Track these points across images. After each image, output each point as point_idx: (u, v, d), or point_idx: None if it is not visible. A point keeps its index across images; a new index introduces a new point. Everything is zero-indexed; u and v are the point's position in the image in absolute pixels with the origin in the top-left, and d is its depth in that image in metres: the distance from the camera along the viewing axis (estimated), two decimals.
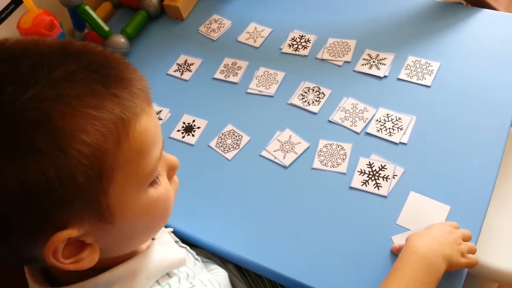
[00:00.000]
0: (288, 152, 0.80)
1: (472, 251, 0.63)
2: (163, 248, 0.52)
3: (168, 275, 0.51)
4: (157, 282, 0.49)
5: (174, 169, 0.49)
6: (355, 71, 0.89)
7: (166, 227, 0.75)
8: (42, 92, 0.34)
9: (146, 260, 0.48)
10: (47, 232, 0.36)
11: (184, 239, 0.75)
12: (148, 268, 0.48)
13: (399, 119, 0.80)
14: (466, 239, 0.64)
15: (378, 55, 0.90)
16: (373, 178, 0.74)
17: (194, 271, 0.57)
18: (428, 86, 0.83)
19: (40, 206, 0.34)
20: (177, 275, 0.52)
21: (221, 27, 1.05)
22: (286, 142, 0.82)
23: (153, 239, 0.55)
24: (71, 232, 0.37)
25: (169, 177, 0.48)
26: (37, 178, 0.33)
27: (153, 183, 0.43)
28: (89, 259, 0.40)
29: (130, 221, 0.42)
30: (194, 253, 0.65)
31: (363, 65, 0.89)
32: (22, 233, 0.36)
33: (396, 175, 0.73)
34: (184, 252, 0.58)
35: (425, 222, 0.67)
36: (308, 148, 0.80)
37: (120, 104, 0.37)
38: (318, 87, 0.88)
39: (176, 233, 0.75)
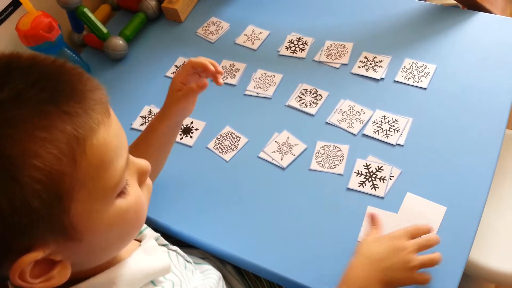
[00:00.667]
0: (286, 153, 0.81)
1: (431, 264, 0.60)
2: (147, 255, 0.51)
3: (153, 283, 0.50)
4: None
5: (144, 173, 0.47)
6: (352, 73, 0.90)
7: (162, 228, 0.76)
8: None
9: (126, 268, 0.47)
10: (11, 256, 0.35)
11: (182, 240, 0.76)
12: (129, 277, 0.47)
13: (396, 121, 0.81)
14: (428, 246, 0.61)
15: (375, 57, 0.91)
16: (370, 179, 0.74)
17: (182, 278, 0.56)
18: (425, 88, 0.84)
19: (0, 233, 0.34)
20: (161, 283, 0.51)
21: (219, 29, 1.05)
22: (283, 143, 0.82)
23: (138, 240, 0.55)
24: (36, 255, 0.36)
25: (141, 182, 0.47)
26: None
27: (121, 193, 0.42)
28: (60, 276, 0.39)
29: (99, 235, 0.41)
30: (185, 255, 0.65)
31: (360, 67, 0.90)
32: None
33: (393, 176, 0.74)
34: (168, 260, 0.56)
35: (422, 223, 0.68)
36: (305, 149, 0.81)
37: (72, 122, 0.35)
38: (316, 89, 0.88)
39: (173, 234, 0.76)
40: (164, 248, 0.61)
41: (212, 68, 0.68)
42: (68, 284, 0.42)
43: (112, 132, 0.40)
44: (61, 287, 0.41)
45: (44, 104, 0.35)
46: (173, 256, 0.61)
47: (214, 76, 0.69)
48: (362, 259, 0.60)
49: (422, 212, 0.70)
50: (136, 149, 0.72)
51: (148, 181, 0.49)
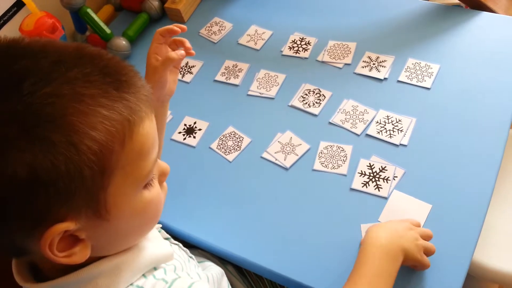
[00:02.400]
0: (289, 153, 0.81)
1: (430, 251, 0.63)
2: (150, 242, 0.52)
3: (154, 268, 0.52)
4: (143, 275, 0.49)
5: (165, 175, 0.51)
6: (355, 73, 0.90)
7: (163, 227, 0.76)
8: (59, 89, 0.36)
9: (133, 255, 0.48)
10: (46, 223, 0.37)
11: (184, 240, 0.76)
12: (134, 263, 0.48)
13: (399, 121, 0.80)
14: (426, 238, 0.64)
15: (378, 57, 0.91)
16: (373, 179, 0.74)
17: (184, 265, 0.58)
18: (428, 88, 0.84)
19: (45, 195, 0.36)
20: (163, 267, 0.52)
21: (222, 29, 1.05)
22: (287, 144, 0.82)
23: None
24: (69, 225, 0.38)
25: (160, 182, 0.50)
26: (47, 167, 0.34)
27: (147, 185, 0.45)
28: (80, 254, 0.41)
29: (123, 220, 0.43)
30: (187, 251, 0.66)
31: (363, 67, 0.90)
32: (21, 221, 0.37)
33: (397, 177, 0.74)
34: (170, 247, 0.58)
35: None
36: (308, 149, 0.80)
37: (128, 107, 0.39)
38: (319, 89, 0.88)
39: (176, 234, 0.76)
40: (167, 242, 0.61)
41: (177, 28, 0.69)
42: (76, 268, 0.43)
43: (153, 126, 0.44)
44: (69, 269, 0.43)
45: (109, 86, 0.39)
46: (176, 249, 0.62)
47: (182, 42, 0.70)
48: (383, 231, 0.63)
49: (407, 209, 0.71)
50: None
51: (165, 184, 0.53)
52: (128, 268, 0.47)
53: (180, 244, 0.65)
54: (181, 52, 0.68)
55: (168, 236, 0.63)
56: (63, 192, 0.36)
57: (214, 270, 0.67)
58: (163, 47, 0.70)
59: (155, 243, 0.53)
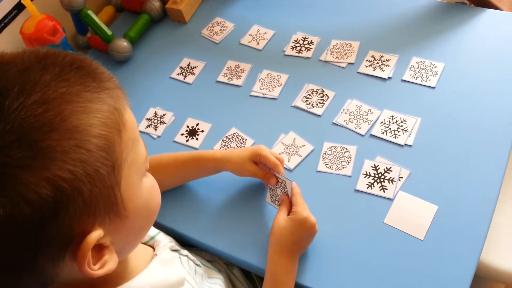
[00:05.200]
0: (293, 155, 0.80)
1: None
2: (164, 267, 0.52)
3: None
4: None
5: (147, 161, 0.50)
6: (359, 72, 0.89)
7: (169, 231, 0.76)
8: (45, 94, 0.34)
9: (146, 281, 0.48)
10: (77, 238, 0.35)
11: (188, 242, 0.75)
12: None
13: (404, 120, 0.80)
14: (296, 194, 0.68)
15: (382, 56, 0.90)
16: (378, 180, 0.74)
17: (195, 285, 0.57)
18: (433, 87, 0.83)
19: (73, 208, 0.34)
20: None
21: (223, 29, 1.05)
22: (290, 145, 0.81)
23: (151, 246, 0.56)
24: (100, 233, 0.36)
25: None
26: (68, 178, 0.33)
27: (145, 172, 0.44)
28: (112, 260, 0.40)
29: (139, 213, 0.42)
30: (195, 259, 0.65)
31: (367, 66, 0.89)
32: (53, 247, 0.35)
33: (402, 178, 0.73)
34: (183, 271, 0.57)
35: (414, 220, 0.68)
36: (312, 150, 0.80)
37: (111, 96, 0.38)
38: (322, 89, 0.88)
39: (180, 236, 0.75)
40: (176, 254, 0.61)
41: (281, 169, 0.70)
42: None
43: (132, 113, 0.43)
44: None
45: (86, 79, 0.37)
46: (185, 262, 0.61)
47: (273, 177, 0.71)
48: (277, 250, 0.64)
49: (413, 211, 0.70)
50: (173, 163, 0.75)
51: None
52: None
53: (189, 254, 0.64)
54: (273, 180, 0.70)
55: (178, 248, 0.62)
56: (88, 199, 0.35)
57: (219, 283, 0.67)
58: (268, 169, 0.72)
59: (168, 267, 0.53)
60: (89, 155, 0.34)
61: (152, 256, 0.53)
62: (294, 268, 0.64)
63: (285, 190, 0.69)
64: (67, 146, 0.33)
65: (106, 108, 0.37)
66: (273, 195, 0.72)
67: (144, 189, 0.43)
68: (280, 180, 0.70)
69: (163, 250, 0.55)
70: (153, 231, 0.59)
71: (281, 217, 0.66)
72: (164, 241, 0.58)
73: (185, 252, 0.63)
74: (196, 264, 0.64)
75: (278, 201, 0.71)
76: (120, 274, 0.47)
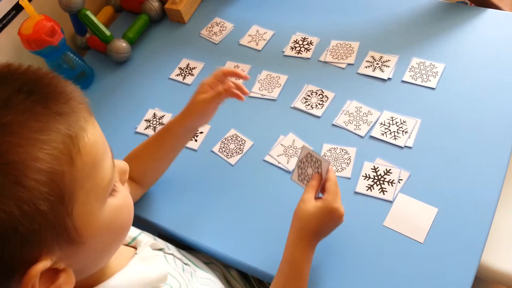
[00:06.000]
0: (292, 156, 0.79)
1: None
2: (144, 264, 0.51)
3: None
4: None
5: (125, 173, 0.48)
6: (358, 73, 0.88)
7: (166, 232, 0.75)
8: None
9: (125, 279, 0.47)
10: (20, 270, 0.35)
11: (186, 244, 0.75)
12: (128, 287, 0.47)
13: (404, 122, 0.79)
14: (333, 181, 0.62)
15: (381, 57, 0.89)
16: (378, 182, 0.73)
17: (181, 281, 0.56)
18: (433, 88, 0.83)
19: (10, 246, 0.33)
20: None
21: (223, 30, 1.04)
22: (289, 146, 0.81)
23: (133, 247, 0.55)
24: (45, 264, 0.35)
25: (122, 182, 0.47)
26: (1, 218, 0.32)
27: (112, 191, 0.42)
28: (67, 283, 0.39)
29: (99, 236, 0.41)
30: (183, 258, 0.64)
31: (366, 67, 0.88)
32: None
33: (402, 180, 0.73)
34: (165, 268, 0.56)
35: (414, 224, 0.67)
36: None
37: (64, 122, 0.36)
38: (322, 90, 0.87)
39: (178, 238, 0.75)
40: (160, 253, 0.60)
41: (244, 75, 0.70)
42: None
43: (98, 131, 0.40)
44: None
45: (35, 106, 0.35)
46: (170, 260, 0.60)
47: (240, 87, 0.71)
48: (300, 235, 0.61)
49: (413, 213, 0.69)
50: (146, 148, 0.73)
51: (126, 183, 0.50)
52: None
53: (175, 252, 0.63)
54: (230, 84, 0.69)
55: (162, 246, 0.61)
56: (27, 235, 0.33)
57: (215, 282, 0.66)
58: (219, 84, 0.71)
59: (149, 263, 0.52)
60: (27, 192, 0.32)
61: (133, 255, 0.53)
62: (311, 256, 0.61)
63: (318, 170, 0.63)
64: (2, 184, 0.32)
65: (55, 138, 0.34)
66: (301, 173, 0.66)
67: (106, 212, 0.41)
68: (314, 159, 0.63)
69: (144, 248, 0.54)
70: (134, 231, 0.58)
71: (309, 201, 0.61)
72: (146, 240, 0.57)
73: (170, 251, 0.62)
74: (184, 263, 0.63)
75: (307, 181, 0.65)
76: (100, 277, 0.46)
